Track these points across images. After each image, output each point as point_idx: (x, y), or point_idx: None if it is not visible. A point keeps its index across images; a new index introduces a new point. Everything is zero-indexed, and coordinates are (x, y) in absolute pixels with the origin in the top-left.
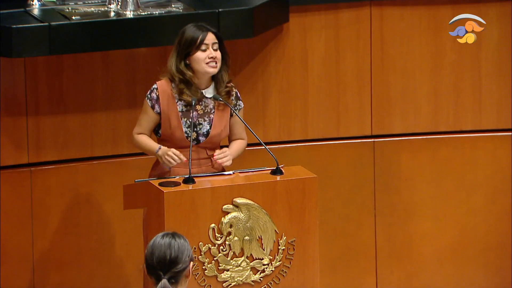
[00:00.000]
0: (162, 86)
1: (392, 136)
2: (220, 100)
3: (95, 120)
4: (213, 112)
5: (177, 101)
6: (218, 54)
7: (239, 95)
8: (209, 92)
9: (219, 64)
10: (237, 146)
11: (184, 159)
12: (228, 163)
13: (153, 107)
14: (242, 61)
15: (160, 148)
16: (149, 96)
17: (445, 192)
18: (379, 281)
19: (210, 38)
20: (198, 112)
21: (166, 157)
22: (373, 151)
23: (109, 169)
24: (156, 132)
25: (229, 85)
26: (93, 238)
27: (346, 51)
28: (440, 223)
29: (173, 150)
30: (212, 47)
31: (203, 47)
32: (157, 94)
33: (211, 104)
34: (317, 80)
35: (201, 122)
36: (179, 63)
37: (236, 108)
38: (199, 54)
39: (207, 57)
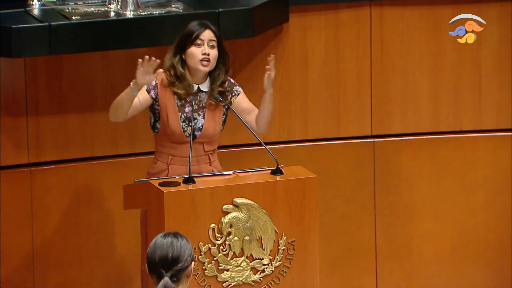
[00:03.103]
0: (161, 77)
1: (392, 136)
2: (220, 100)
3: (95, 120)
4: (207, 106)
5: (174, 95)
6: (213, 52)
7: (232, 81)
8: (205, 86)
9: (212, 63)
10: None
11: (156, 60)
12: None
13: (148, 91)
14: (242, 61)
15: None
16: None
17: (445, 192)
18: (379, 281)
19: (207, 34)
20: (193, 107)
21: (139, 68)
22: (373, 151)
23: (109, 169)
24: (154, 128)
25: (224, 85)
26: (93, 238)
27: (346, 51)
28: (440, 223)
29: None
30: (207, 44)
31: (198, 42)
32: (156, 82)
33: (205, 98)
34: (317, 80)
35: (196, 117)
36: (174, 57)
37: (234, 94)
38: (193, 50)
39: (200, 53)
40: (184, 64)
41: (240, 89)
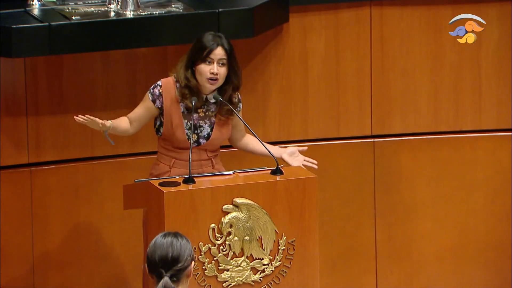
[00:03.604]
0: (166, 85)
1: (392, 136)
2: (220, 100)
3: None
4: (215, 115)
5: (180, 102)
6: (222, 70)
7: (240, 97)
8: (212, 97)
9: (220, 81)
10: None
11: (85, 117)
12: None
13: (154, 102)
14: (242, 61)
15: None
16: (151, 91)
17: (445, 192)
18: (379, 281)
19: (218, 53)
20: (200, 114)
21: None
22: (373, 151)
23: (109, 169)
24: (157, 131)
25: (234, 100)
26: (93, 238)
27: (346, 51)
28: (440, 223)
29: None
30: (217, 62)
31: (208, 60)
32: (160, 91)
33: (213, 107)
34: (317, 80)
35: (202, 124)
36: (186, 69)
37: (237, 109)
38: (203, 67)
39: (209, 72)
40: (195, 77)
41: (241, 106)
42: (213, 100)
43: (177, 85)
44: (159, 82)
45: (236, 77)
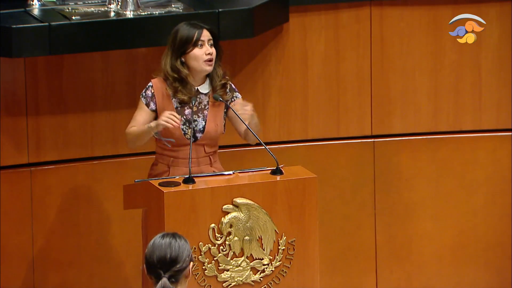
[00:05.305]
0: (157, 84)
1: (392, 136)
2: (220, 100)
3: (95, 120)
4: (207, 108)
5: (172, 99)
6: (213, 50)
7: (234, 86)
8: (204, 88)
9: (214, 61)
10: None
11: (179, 116)
12: (249, 114)
13: (148, 105)
14: (242, 61)
15: (151, 123)
16: (144, 94)
17: (445, 192)
18: (379, 281)
19: (206, 34)
20: (193, 109)
21: (164, 118)
22: (373, 151)
23: (109, 169)
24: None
25: (225, 77)
26: (93, 238)
27: (346, 51)
28: (440, 223)
29: (165, 113)
30: (208, 43)
31: (200, 43)
32: (152, 91)
33: (205, 100)
34: (317, 80)
35: (196, 118)
36: (175, 61)
37: (233, 99)
38: (197, 51)
39: (204, 54)
40: (185, 67)
41: (239, 95)
42: (204, 91)
43: (167, 83)
44: (149, 83)
45: (222, 55)
